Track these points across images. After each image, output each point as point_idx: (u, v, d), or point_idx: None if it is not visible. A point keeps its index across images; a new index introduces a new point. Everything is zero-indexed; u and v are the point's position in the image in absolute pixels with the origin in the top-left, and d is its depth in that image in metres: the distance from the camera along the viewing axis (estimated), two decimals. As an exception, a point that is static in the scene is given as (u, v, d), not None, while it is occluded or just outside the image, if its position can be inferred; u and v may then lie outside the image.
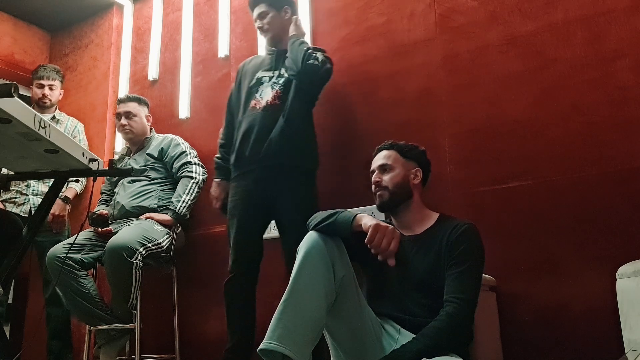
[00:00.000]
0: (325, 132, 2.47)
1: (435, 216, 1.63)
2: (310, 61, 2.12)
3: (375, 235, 1.40)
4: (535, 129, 2.03)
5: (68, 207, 2.93)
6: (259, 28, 2.36)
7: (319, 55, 2.17)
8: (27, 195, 2.89)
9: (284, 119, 2.15)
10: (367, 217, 1.47)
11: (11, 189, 2.85)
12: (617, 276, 1.58)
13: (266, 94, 2.23)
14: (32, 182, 2.90)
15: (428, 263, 1.52)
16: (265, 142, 2.13)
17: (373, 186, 1.68)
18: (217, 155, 2.43)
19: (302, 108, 2.22)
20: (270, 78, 2.27)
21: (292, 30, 2.27)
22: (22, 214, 2.82)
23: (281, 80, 2.24)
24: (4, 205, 2.79)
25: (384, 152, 1.71)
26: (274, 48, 2.35)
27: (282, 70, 2.26)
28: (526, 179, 2.01)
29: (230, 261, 2.17)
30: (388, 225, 1.44)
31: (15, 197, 2.86)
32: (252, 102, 2.25)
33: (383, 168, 1.68)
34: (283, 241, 2.14)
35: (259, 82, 2.29)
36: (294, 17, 2.31)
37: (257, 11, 2.35)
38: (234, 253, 2.17)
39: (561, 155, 1.96)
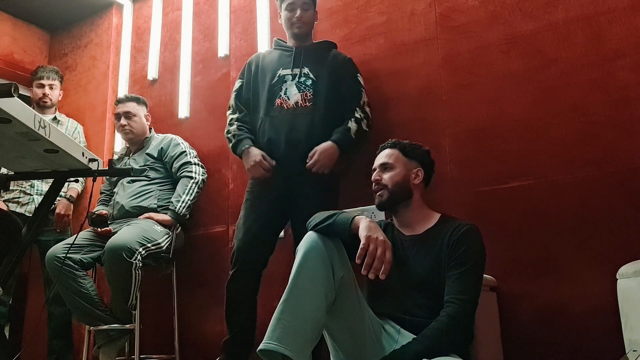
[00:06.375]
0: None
1: (436, 216, 1.63)
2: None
3: (369, 246, 1.38)
4: (535, 129, 2.02)
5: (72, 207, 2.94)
6: (297, 19, 2.23)
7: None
8: (31, 195, 2.89)
9: (320, 125, 2.12)
10: (364, 222, 1.45)
11: (15, 188, 2.86)
12: (617, 276, 1.57)
13: (293, 95, 2.18)
14: (36, 182, 2.90)
15: (428, 263, 1.52)
16: (297, 144, 2.10)
17: (373, 184, 1.68)
18: (235, 132, 2.22)
19: (337, 109, 2.19)
20: (294, 77, 2.22)
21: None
22: (26, 214, 2.83)
23: (308, 82, 2.20)
24: (7, 206, 2.79)
25: (387, 151, 1.70)
26: (292, 46, 2.29)
27: (306, 70, 2.22)
28: (527, 178, 2.00)
29: (236, 249, 2.11)
30: (380, 235, 1.41)
31: (19, 197, 2.86)
32: (278, 101, 2.20)
33: (384, 167, 1.67)
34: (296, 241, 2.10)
35: (282, 79, 2.23)
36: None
37: (298, 1, 2.24)
38: (242, 241, 2.09)
39: (561, 155, 1.96)
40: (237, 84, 2.37)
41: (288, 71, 2.24)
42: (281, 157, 2.13)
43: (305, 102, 2.17)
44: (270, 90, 2.23)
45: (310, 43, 2.35)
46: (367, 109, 2.21)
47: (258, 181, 2.16)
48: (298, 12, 2.24)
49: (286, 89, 2.20)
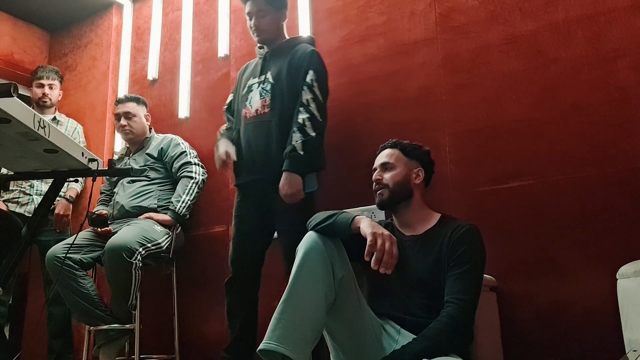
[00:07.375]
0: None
1: (437, 216, 1.63)
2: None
3: (377, 242, 1.39)
4: (535, 129, 2.02)
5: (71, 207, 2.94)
6: (254, 28, 2.19)
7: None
8: (30, 195, 2.89)
9: (276, 131, 2.06)
10: (365, 221, 1.46)
11: (14, 189, 2.86)
12: (617, 276, 1.57)
13: (254, 103, 2.16)
14: (35, 182, 2.90)
15: (429, 263, 1.52)
16: (260, 155, 2.08)
17: (374, 184, 1.68)
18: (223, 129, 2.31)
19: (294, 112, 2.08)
20: (259, 84, 2.18)
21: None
22: (26, 214, 2.84)
23: (268, 87, 2.14)
24: (7, 206, 2.79)
25: (387, 151, 1.70)
26: (262, 50, 2.27)
27: (268, 74, 2.16)
28: (527, 178, 2.00)
29: (229, 260, 2.18)
30: (384, 231, 1.42)
31: (19, 197, 2.87)
32: (244, 112, 2.20)
33: (385, 166, 1.68)
34: (281, 243, 2.12)
35: (249, 89, 2.22)
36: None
37: (253, 7, 2.17)
38: (232, 254, 2.17)
39: (561, 155, 1.96)
40: (229, 97, 2.42)
41: (256, 79, 2.22)
42: (246, 169, 2.13)
43: (264, 109, 2.12)
44: (241, 102, 2.24)
45: (278, 44, 2.24)
46: (312, 106, 2.03)
47: (242, 187, 2.20)
48: (252, 20, 2.19)
49: (251, 98, 2.18)
